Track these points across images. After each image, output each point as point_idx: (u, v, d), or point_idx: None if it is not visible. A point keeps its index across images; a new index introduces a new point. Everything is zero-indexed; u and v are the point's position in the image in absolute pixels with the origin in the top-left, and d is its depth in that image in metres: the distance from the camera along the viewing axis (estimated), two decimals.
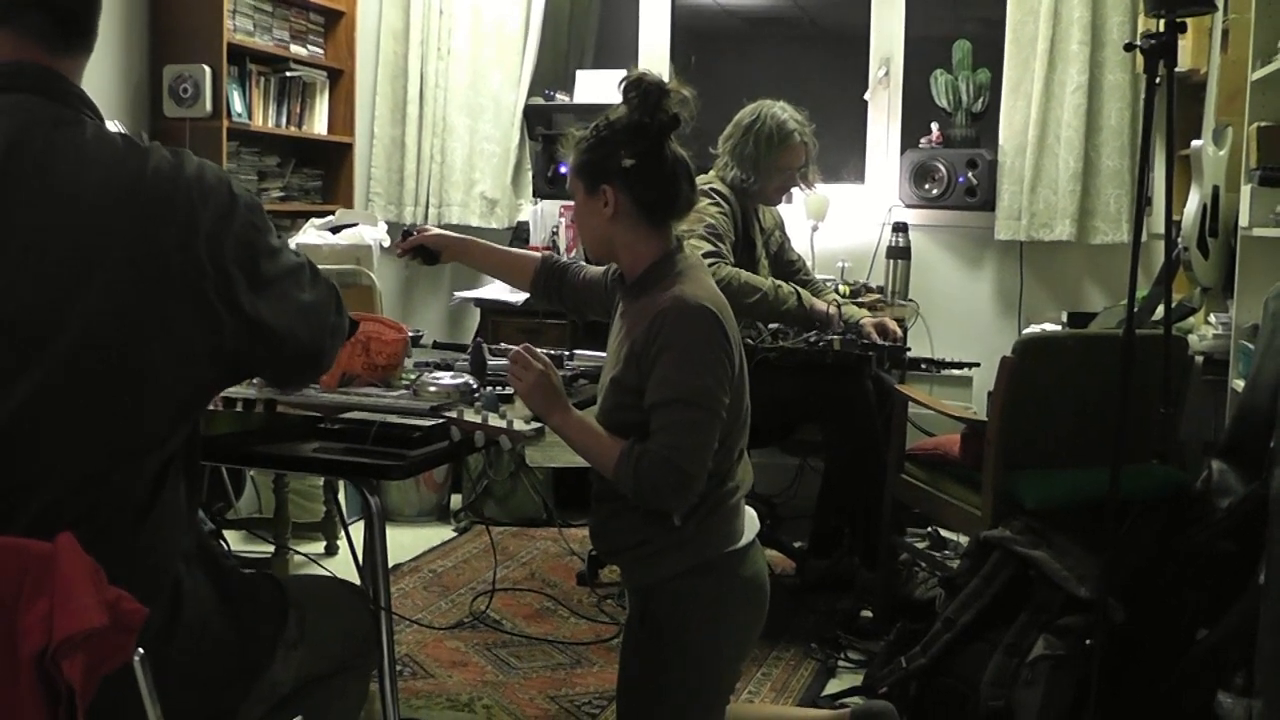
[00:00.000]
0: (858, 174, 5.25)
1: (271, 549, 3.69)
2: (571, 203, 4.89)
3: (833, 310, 3.80)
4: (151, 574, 1.55)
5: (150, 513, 1.56)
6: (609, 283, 2.47)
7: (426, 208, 5.37)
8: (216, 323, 1.58)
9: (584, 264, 2.62)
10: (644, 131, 2.18)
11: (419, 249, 2.69)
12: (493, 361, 2.67)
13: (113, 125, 1.71)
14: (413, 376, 2.43)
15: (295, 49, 4.94)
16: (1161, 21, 2.44)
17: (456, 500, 4.88)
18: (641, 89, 2.18)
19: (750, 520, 2.26)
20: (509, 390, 2.43)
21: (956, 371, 4.12)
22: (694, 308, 2.13)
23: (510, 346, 2.94)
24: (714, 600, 2.18)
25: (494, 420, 2.08)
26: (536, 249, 4.79)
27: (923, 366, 4.01)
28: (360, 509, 2.08)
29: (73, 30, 1.65)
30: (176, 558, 1.61)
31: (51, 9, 1.63)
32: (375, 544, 1.99)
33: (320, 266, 1.82)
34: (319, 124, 5.14)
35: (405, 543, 4.39)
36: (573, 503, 4.82)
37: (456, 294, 5.05)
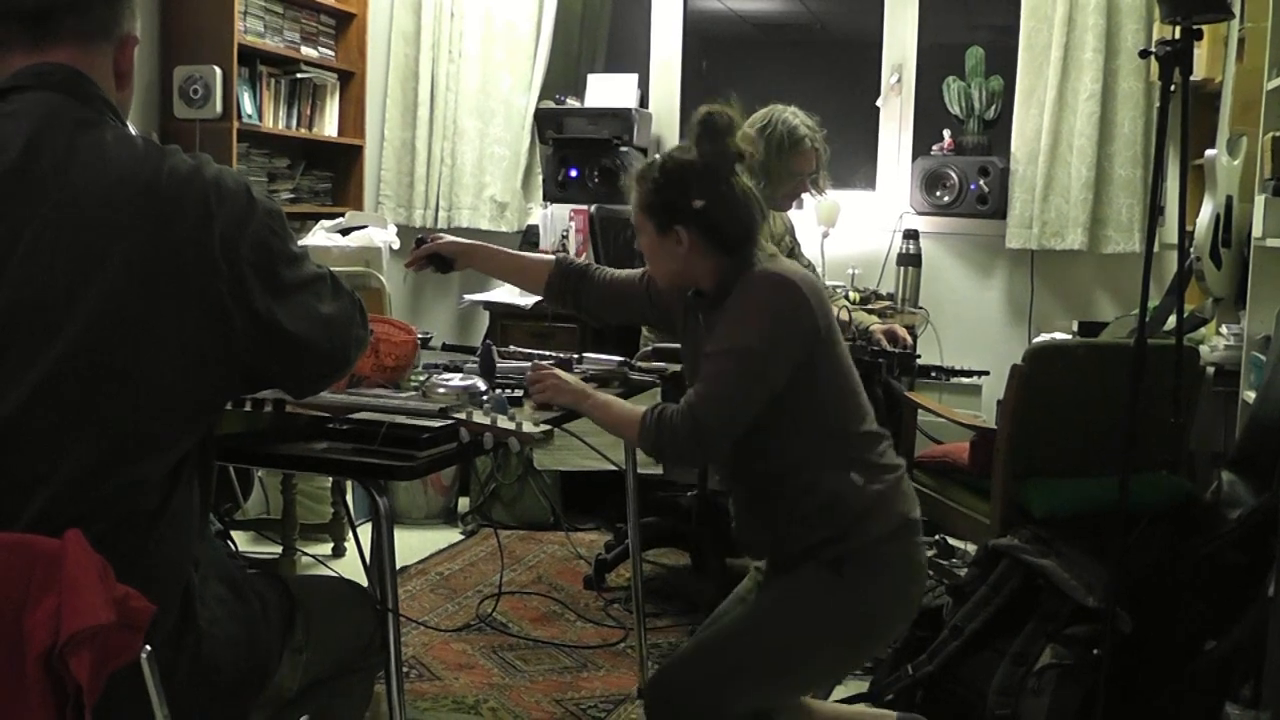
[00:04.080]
0: (869, 180, 5.24)
1: (279, 550, 3.68)
2: (581, 206, 4.96)
3: (843, 316, 3.79)
4: (163, 577, 1.55)
5: (162, 515, 1.55)
6: (651, 292, 2.51)
7: (436, 210, 5.37)
8: (228, 324, 1.58)
9: (604, 266, 2.63)
10: (713, 172, 2.22)
11: (432, 257, 2.69)
12: (502, 364, 2.66)
13: (130, 129, 1.71)
14: (422, 378, 2.42)
15: (306, 51, 4.95)
16: (1177, 29, 2.43)
17: (464, 503, 4.88)
18: (710, 127, 2.22)
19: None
20: (518, 393, 2.44)
21: (966, 379, 4.10)
22: (761, 276, 2.20)
23: (520, 349, 2.95)
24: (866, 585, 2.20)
25: (502, 422, 2.08)
26: (546, 252, 4.79)
27: (932, 374, 3.99)
28: (368, 511, 2.07)
29: (99, 33, 1.66)
30: (188, 561, 1.61)
31: (81, 14, 1.63)
32: (383, 545, 1.98)
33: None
34: (329, 126, 5.14)
35: (413, 545, 4.38)
36: (580, 507, 4.82)
37: (465, 296, 5.05)
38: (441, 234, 2.78)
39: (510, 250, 2.80)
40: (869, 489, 2.19)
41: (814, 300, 2.20)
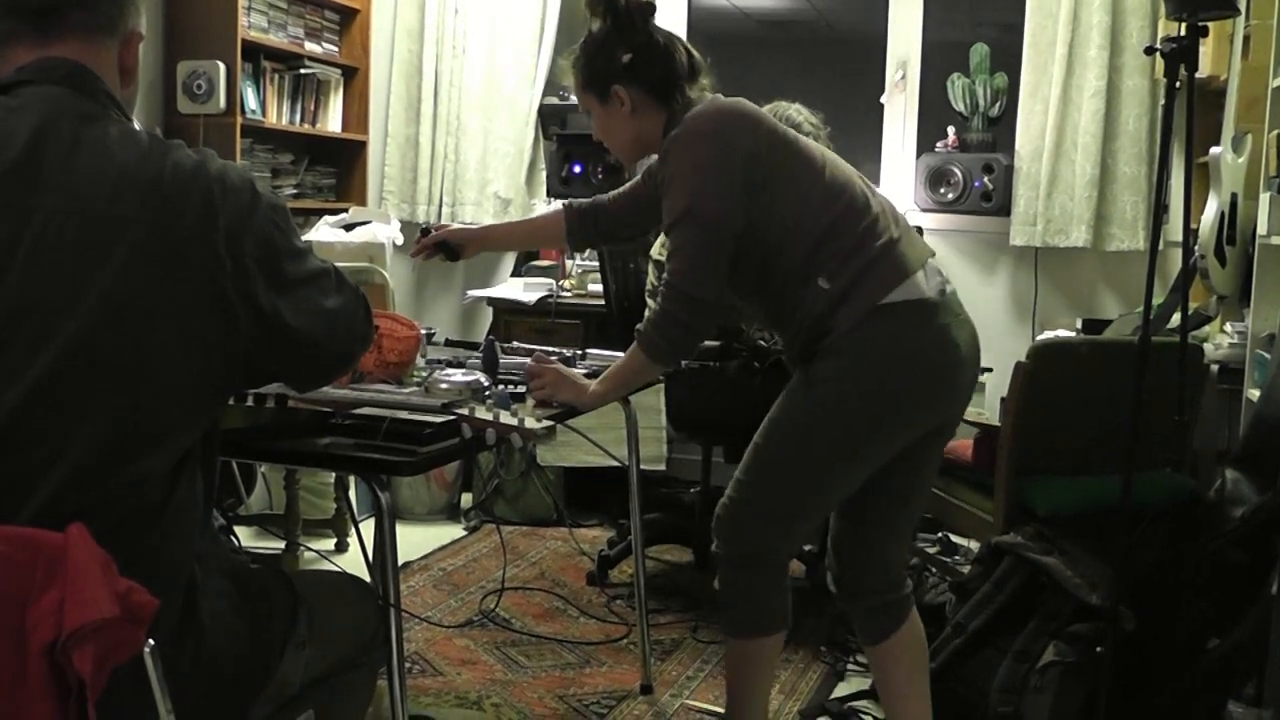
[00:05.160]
0: (873, 177, 5.22)
1: (282, 545, 3.69)
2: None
3: None
4: (166, 572, 1.54)
5: (165, 511, 1.55)
6: (651, 182, 2.54)
7: (440, 206, 5.36)
8: (231, 318, 1.58)
9: (604, 194, 2.69)
10: (628, 27, 2.33)
11: (440, 245, 2.69)
12: (505, 360, 2.66)
13: (135, 125, 1.71)
14: (424, 374, 2.42)
15: (310, 46, 4.95)
16: (1183, 25, 2.43)
17: (467, 499, 4.88)
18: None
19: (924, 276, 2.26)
20: (521, 388, 2.44)
21: None
22: (677, 137, 2.27)
23: (523, 345, 2.95)
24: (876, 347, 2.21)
25: (505, 418, 2.08)
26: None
27: None
28: (371, 506, 2.07)
29: (105, 28, 1.66)
30: (191, 556, 1.61)
31: (86, 9, 1.63)
32: (385, 541, 1.98)
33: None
34: (333, 121, 5.14)
35: (415, 541, 4.39)
36: (583, 503, 4.82)
37: (469, 292, 5.05)
38: (448, 224, 2.79)
39: (515, 220, 2.82)
40: (835, 289, 2.20)
41: (737, 128, 2.27)
